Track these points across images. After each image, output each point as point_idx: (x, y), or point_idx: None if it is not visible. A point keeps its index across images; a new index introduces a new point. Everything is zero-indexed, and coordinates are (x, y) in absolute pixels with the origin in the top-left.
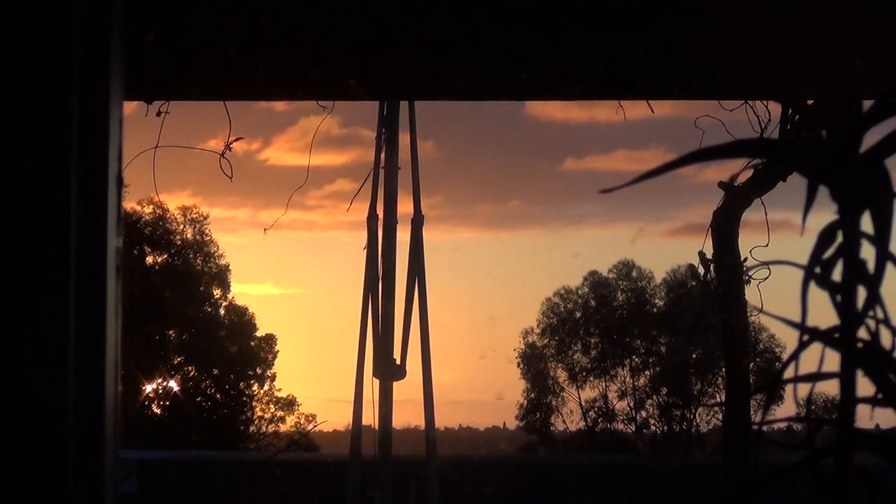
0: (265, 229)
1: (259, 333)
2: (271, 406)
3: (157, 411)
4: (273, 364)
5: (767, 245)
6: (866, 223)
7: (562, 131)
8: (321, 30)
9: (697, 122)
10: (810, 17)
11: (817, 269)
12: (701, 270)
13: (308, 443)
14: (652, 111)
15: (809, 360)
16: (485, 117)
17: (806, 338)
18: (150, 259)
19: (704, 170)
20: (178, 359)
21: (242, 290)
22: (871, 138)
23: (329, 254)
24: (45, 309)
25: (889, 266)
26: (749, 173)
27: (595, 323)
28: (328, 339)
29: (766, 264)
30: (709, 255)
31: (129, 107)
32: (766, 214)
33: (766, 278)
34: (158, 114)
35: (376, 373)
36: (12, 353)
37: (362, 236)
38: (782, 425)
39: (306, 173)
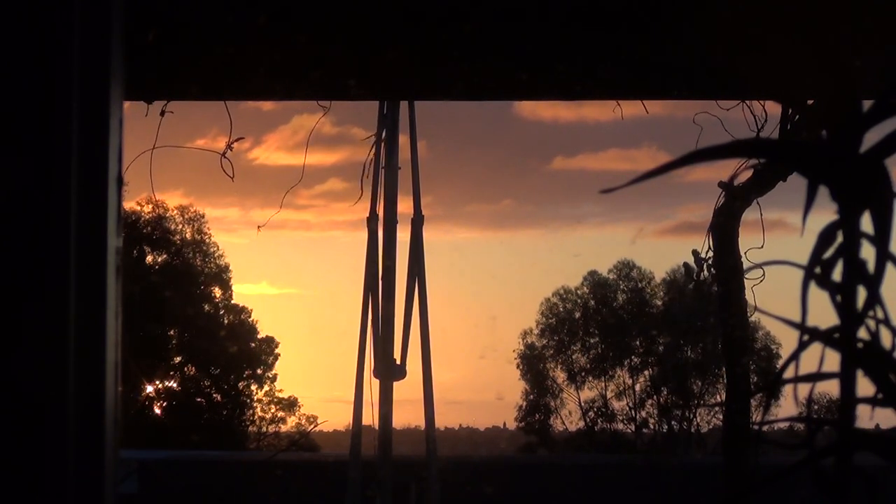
0: (259, 227)
1: (259, 335)
2: (272, 407)
3: (158, 411)
4: (273, 366)
5: (762, 247)
6: (866, 223)
7: (551, 130)
8: (321, 30)
9: (696, 119)
10: (810, 16)
11: (817, 269)
12: (696, 270)
13: (308, 443)
14: (646, 111)
15: (809, 360)
16: (473, 117)
17: (806, 338)
18: (149, 259)
19: (695, 168)
20: (178, 359)
21: (238, 290)
22: (871, 138)
23: (323, 253)
24: (45, 309)
25: (889, 266)
26: (749, 173)
27: (595, 323)
28: (328, 339)
29: (767, 264)
30: (705, 255)
31: (129, 107)
32: (761, 215)
33: (761, 280)
34: (162, 113)
35: (376, 373)
36: (12, 354)
37: (359, 236)
38: (783, 425)
39: (301, 171)
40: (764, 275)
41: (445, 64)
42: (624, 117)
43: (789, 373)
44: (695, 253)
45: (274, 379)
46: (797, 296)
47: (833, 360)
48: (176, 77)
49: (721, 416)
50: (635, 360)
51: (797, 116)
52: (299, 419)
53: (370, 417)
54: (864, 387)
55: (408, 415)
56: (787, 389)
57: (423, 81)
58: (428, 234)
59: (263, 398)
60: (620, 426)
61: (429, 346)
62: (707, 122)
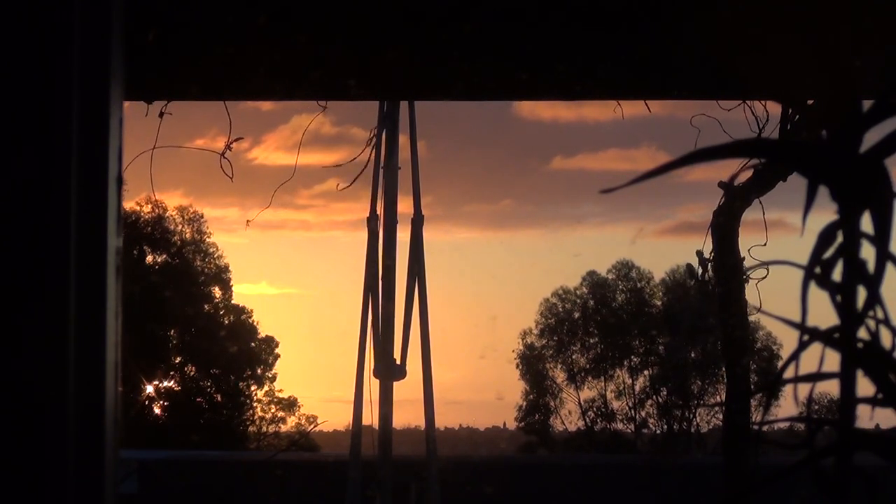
0: (248, 221)
1: (259, 335)
2: (272, 407)
3: (158, 411)
4: (273, 366)
5: (765, 244)
6: (866, 223)
7: (551, 130)
8: (321, 30)
9: (693, 121)
10: (810, 16)
11: (817, 269)
12: (699, 270)
13: (308, 443)
14: (649, 111)
15: (809, 360)
16: (473, 117)
17: (806, 338)
18: (149, 259)
19: (695, 168)
20: (178, 359)
21: (237, 290)
22: (871, 138)
23: (323, 253)
24: (45, 309)
25: (889, 266)
26: (749, 173)
27: (594, 323)
28: (328, 339)
29: (766, 264)
30: (709, 255)
31: (129, 107)
32: (763, 214)
33: (764, 277)
34: (161, 115)
35: (376, 373)
36: (12, 353)
37: (359, 236)
38: (783, 425)
39: (297, 170)
40: (768, 272)
41: (445, 64)
42: (624, 117)
43: (789, 373)
44: (699, 254)
45: (274, 379)
46: (797, 296)
47: (833, 360)
48: (176, 77)
49: (721, 416)
50: (635, 360)
51: (797, 116)
52: (299, 419)
53: (370, 417)
54: (864, 387)
55: (408, 415)
56: (787, 389)
57: (423, 81)
58: (428, 234)
59: (263, 398)
60: (620, 426)
61: (429, 346)
62: (706, 123)
